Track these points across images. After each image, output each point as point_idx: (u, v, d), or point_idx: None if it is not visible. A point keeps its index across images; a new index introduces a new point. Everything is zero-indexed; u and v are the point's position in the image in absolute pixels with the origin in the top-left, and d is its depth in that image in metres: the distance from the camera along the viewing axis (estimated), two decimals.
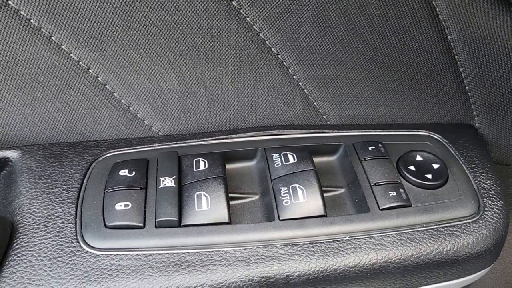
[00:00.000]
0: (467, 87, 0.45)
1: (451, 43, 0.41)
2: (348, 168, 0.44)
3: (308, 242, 0.38)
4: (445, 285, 0.41)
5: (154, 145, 0.45)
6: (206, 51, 0.41)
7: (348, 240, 0.38)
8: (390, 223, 0.39)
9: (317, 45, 0.41)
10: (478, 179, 0.44)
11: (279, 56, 0.42)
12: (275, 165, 0.42)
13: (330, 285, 0.38)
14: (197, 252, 0.37)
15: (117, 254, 0.36)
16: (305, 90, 0.45)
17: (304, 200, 0.39)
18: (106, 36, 0.38)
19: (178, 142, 0.45)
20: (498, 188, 0.43)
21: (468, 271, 0.41)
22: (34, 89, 0.41)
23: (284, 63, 0.42)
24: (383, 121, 0.48)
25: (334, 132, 0.47)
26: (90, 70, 0.40)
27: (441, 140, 0.47)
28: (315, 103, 0.46)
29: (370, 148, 0.44)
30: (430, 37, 0.41)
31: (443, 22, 0.39)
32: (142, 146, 0.45)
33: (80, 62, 0.40)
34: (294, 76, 0.44)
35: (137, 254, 0.36)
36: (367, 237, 0.39)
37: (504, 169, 0.51)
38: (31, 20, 0.36)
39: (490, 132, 0.48)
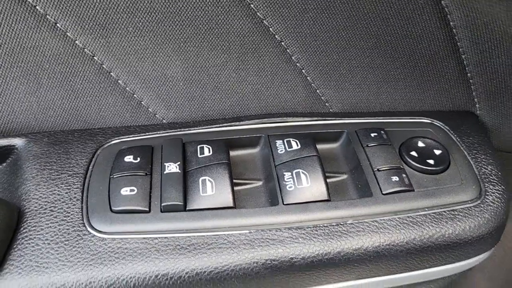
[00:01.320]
0: (469, 74, 0.45)
1: (454, 30, 0.41)
2: (351, 154, 0.44)
3: (312, 226, 0.38)
4: (447, 268, 0.42)
5: (158, 132, 0.45)
6: (210, 38, 0.41)
7: (351, 223, 0.39)
8: (392, 207, 0.40)
9: (321, 32, 0.41)
10: (480, 164, 0.44)
11: (282, 43, 0.42)
12: (279, 151, 0.43)
13: (334, 268, 0.38)
14: (203, 236, 0.37)
15: (123, 238, 0.37)
16: (308, 78, 0.45)
17: (307, 185, 0.40)
18: (111, 23, 0.38)
19: (182, 129, 0.45)
20: (499, 173, 0.44)
21: (470, 254, 0.41)
22: (39, 77, 0.41)
23: (287, 50, 0.43)
24: (386, 108, 0.49)
25: (336, 120, 0.47)
26: (95, 57, 0.40)
27: (442, 127, 0.48)
28: (318, 91, 0.46)
29: (372, 135, 0.45)
30: (433, 24, 0.41)
31: (445, 8, 0.39)
32: (147, 134, 0.45)
33: (85, 49, 0.40)
34: (297, 64, 0.44)
35: (143, 238, 0.37)
36: (370, 221, 0.39)
37: (504, 156, 0.51)
38: (37, 7, 0.37)
39: (491, 119, 0.49)
